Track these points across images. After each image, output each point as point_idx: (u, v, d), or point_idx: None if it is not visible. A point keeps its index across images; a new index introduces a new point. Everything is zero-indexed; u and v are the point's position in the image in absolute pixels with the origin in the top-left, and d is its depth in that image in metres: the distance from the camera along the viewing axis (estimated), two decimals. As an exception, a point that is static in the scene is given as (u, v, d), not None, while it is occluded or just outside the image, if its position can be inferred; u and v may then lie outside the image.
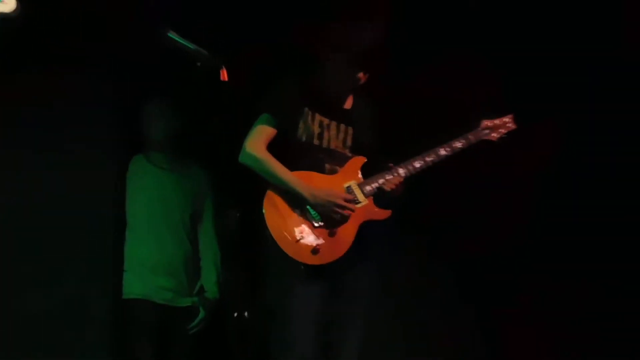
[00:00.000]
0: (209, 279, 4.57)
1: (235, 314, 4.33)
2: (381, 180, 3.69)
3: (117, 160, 4.57)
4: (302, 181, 3.61)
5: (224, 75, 3.29)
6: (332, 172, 3.74)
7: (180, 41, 3.29)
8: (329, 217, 3.58)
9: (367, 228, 3.66)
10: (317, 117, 3.74)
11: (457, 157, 3.76)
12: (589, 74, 4.41)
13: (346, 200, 3.59)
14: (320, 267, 3.55)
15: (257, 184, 3.71)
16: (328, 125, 3.76)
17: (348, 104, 3.83)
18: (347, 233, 3.61)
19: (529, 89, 4.48)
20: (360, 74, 3.67)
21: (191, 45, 3.29)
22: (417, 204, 4.52)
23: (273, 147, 3.68)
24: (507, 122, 3.91)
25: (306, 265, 3.53)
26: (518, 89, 4.48)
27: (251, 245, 4.14)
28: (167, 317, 4.43)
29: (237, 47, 4.37)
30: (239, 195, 4.22)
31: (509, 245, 4.62)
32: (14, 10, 3.75)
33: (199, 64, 3.28)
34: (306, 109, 3.72)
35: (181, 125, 4.63)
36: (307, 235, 3.56)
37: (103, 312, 4.45)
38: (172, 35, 3.29)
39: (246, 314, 4.38)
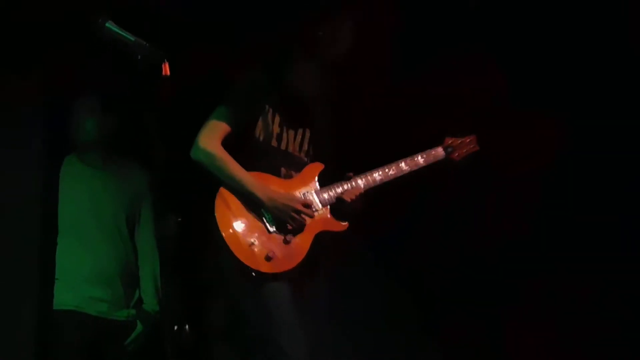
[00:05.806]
0: (147, 290, 4.31)
1: (176, 328, 4.15)
2: (339, 190, 3.58)
3: (49, 161, 4.29)
4: (259, 182, 3.45)
5: (165, 69, 3.07)
6: (288, 177, 3.61)
7: (119, 32, 3.06)
8: (284, 223, 3.45)
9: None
10: (278, 117, 3.59)
11: (420, 175, 3.72)
12: (593, 71, 4.43)
13: (305, 207, 3.45)
14: (273, 274, 3.38)
15: (201, 186, 3.56)
16: (288, 127, 3.62)
17: (310, 106, 3.68)
18: (303, 242, 3.48)
19: (532, 86, 4.48)
20: (331, 81, 3.57)
21: (131, 37, 3.06)
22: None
23: (227, 145, 3.51)
24: (469, 143, 3.87)
25: (257, 272, 3.36)
26: (521, 87, 4.48)
27: (193, 253, 3.96)
28: (102, 331, 4.16)
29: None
30: (179, 199, 4.04)
31: (510, 244, 4.63)
32: None
33: (139, 57, 3.04)
34: (267, 107, 3.57)
35: (116, 123, 4.38)
36: (261, 240, 3.40)
37: (30, 324, 4.15)
38: (110, 25, 3.06)
39: (187, 327, 4.20)
